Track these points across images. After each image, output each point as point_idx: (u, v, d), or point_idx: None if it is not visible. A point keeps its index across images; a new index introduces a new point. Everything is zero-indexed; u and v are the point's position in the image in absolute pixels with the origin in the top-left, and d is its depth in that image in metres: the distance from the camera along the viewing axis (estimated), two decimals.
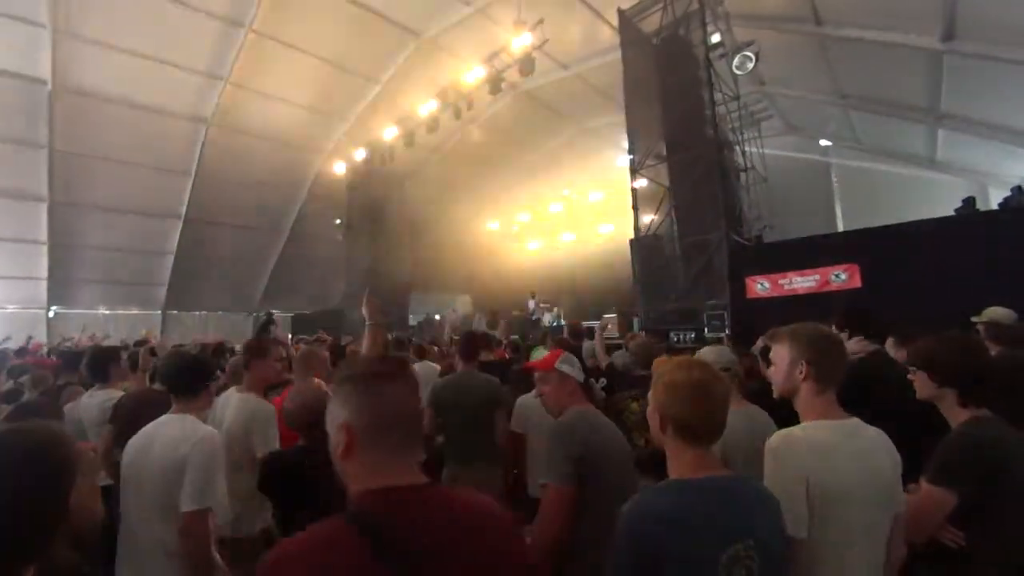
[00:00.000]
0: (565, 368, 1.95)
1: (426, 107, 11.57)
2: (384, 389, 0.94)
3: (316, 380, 2.11)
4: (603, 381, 3.51)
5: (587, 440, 1.76)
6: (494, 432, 3.11)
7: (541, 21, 9.09)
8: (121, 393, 2.99)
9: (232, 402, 2.65)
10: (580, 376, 1.99)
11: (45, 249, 12.59)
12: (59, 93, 10.32)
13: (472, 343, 3.51)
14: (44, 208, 11.95)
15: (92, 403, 3.05)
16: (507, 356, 5.52)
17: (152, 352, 4.09)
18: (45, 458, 0.92)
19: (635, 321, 9.28)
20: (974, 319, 2.86)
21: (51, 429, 0.99)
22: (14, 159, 11.04)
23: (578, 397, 1.97)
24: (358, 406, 0.93)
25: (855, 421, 1.46)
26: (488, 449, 3.10)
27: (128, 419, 2.67)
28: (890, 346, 2.94)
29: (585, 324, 6.95)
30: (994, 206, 7.83)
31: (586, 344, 5.51)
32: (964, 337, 1.71)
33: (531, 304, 13.98)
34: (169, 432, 1.96)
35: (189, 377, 2.11)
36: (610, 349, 6.08)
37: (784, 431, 1.45)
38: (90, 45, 9.78)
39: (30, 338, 10.02)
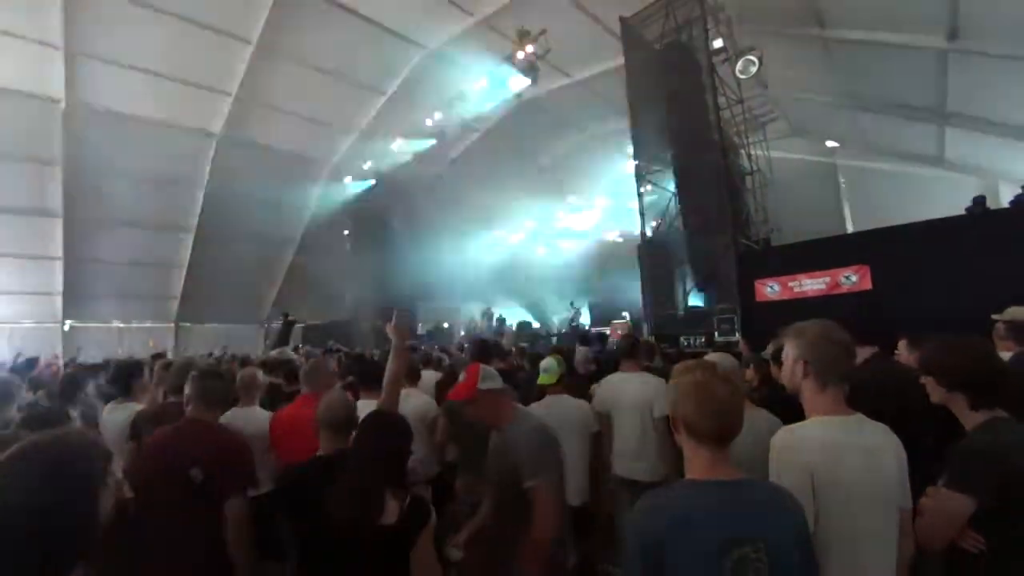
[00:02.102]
0: (487, 385, 2.00)
1: (431, 117, 11.69)
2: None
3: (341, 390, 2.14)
4: None
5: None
6: None
7: (544, 31, 9.17)
8: (141, 407, 3.01)
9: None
10: (499, 384, 2.05)
11: (60, 264, 12.80)
12: (72, 111, 10.54)
13: (483, 351, 3.53)
14: (59, 224, 12.16)
15: (112, 417, 3.04)
16: (515, 364, 5.52)
17: (167, 367, 4.10)
18: (74, 466, 0.90)
19: (644, 326, 9.25)
20: (995, 316, 2.82)
21: (77, 437, 0.98)
22: (29, 176, 11.27)
23: (510, 403, 2.06)
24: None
25: (859, 416, 1.47)
26: None
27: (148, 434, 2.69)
28: (902, 349, 2.92)
29: (595, 330, 6.94)
30: (1005, 204, 7.73)
31: (580, 350, 5.49)
32: (969, 340, 1.67)
33: (572, 312, 14.22)
34: None
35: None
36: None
37: (788, 427, 1.47)
38: (101, 64, 9.99)
39: (20, 354, 9.80)
